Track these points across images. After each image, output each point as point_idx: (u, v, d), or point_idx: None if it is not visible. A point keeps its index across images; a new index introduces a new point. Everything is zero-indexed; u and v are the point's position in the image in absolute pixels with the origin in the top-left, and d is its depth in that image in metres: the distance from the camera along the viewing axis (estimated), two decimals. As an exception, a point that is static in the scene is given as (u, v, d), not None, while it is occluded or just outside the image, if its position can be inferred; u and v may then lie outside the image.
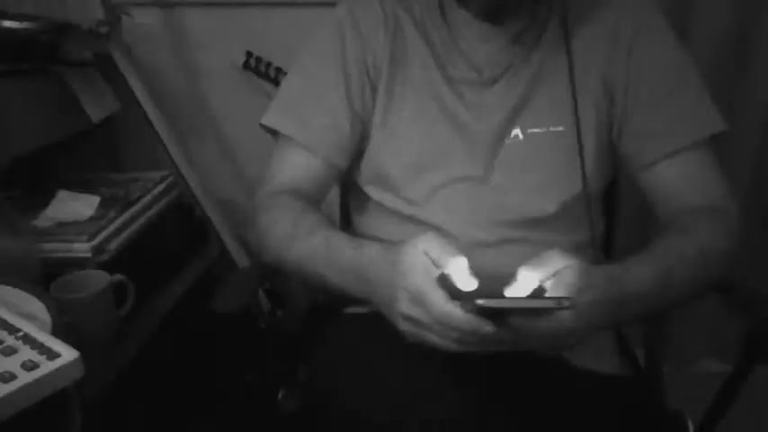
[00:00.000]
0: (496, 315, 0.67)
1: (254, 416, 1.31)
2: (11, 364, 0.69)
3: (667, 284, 0.81)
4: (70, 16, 1.40)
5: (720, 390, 0.94)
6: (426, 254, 0.71)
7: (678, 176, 0.94)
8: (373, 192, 1.02)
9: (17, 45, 1.28)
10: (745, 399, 0.92)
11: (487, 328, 0.66)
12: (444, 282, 0.70)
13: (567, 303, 0.65)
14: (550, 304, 0.66)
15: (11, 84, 1.26)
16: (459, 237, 0.94)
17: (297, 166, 0.99)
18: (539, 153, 0.96)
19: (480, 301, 0.64)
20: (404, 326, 0.72)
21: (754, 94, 1.69)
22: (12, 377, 0.66)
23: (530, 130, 0.96)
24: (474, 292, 0.69)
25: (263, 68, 1.69)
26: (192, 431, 1.45)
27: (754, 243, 1.82)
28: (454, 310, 0.66)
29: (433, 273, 0.70)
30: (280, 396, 1.03)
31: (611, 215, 1.17)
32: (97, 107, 1.46)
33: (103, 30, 1.43)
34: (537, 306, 0.68)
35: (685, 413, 0.93)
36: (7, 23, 1.26)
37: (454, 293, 0.68)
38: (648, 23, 0.96)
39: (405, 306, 0.70)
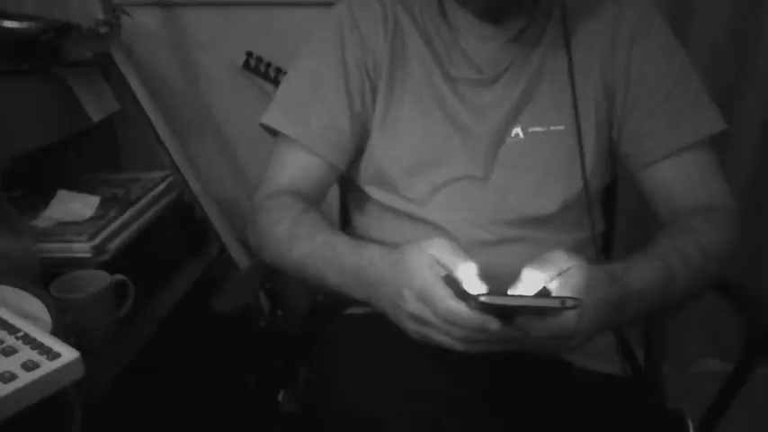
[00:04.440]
0: (502, 314, 0.67)
1: (255, 416, 1.30)
2: (11, 363, 0.68)
3: (668, 284, 0.82)
4: (70, 16, 1.41)
5: (720, 389, 0.94)
6: (434, 257, 0.72)
7: (677, 176, 0.94)
8: (373, 192, 1.02)
9: (17, 45, 1.29)
10: (745, 398, 0.93)
11: (494, 325, 0.66)
12: (450, 283, 0.71)
13: (572, 303, 0.65)
14: (555, 304, 0.66)
15: (11, 84, 1.27)
16: (460, 236, 0.94)
17: (296, 166, 0.99)
18: (539, 152, 0.96)
19: (484, 298, 0.64)
20: (410, 325, 0.73)
21: (754, 94, 1.70)
22: (12, 377, 0.66)
23: (530, 129, 0.96)
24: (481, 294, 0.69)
25: (262, 68, 1.69)
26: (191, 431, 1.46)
27: (755, 243, 1.81)
28: (460, 308, 0.67)
29: (439, 272, 0.71)
30: (280, 396, 1.03)
31: (611, 214, 1.17)
32: (97, 107, 1.47)
33: (103, 30, 1.45)
34: (541, 305, 0.68)
35: (685, 412, 0.94)
36: (7, 23, 1.27)
37: (460, 294, 0.69)
38: (648, 24, 0.97)
39: (412, 305, 0.71)
